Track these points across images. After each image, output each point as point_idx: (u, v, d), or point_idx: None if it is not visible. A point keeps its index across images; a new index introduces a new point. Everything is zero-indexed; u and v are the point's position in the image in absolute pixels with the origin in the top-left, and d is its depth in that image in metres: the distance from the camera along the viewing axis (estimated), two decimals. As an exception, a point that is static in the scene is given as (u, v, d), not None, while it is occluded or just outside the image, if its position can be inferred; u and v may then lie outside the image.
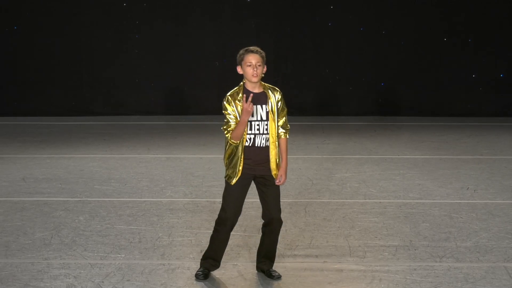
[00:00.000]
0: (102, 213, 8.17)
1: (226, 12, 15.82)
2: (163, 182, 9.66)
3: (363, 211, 8.27)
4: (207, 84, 15.64)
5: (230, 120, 5.92)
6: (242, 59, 5.94)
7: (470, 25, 15.69)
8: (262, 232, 6.22)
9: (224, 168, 6.10)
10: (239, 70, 5.98)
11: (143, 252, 6.87)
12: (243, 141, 5.93)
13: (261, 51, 5.97)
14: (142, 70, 15.89)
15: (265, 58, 5.97)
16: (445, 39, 15.75)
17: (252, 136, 5.95)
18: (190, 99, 15.94)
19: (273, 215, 6.09)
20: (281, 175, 6.00)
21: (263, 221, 6.17)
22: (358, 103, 15.94)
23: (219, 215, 6.09)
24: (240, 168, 5.95)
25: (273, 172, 5.99)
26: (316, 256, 6.76)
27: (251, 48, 5.96)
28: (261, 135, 5.96)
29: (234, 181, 5.97)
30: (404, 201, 8.72)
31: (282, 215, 8.01)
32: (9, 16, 15.72)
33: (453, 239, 7.27)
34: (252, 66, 5.90)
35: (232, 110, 5.91)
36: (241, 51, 5.97)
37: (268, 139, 5.96)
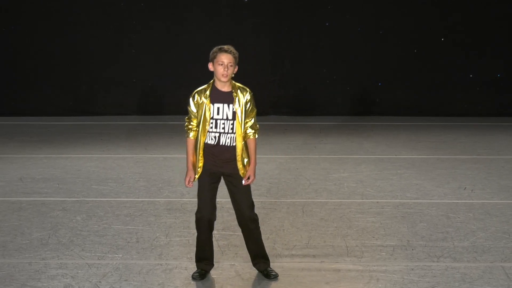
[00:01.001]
0: (100, 213, 8.17)
1: (224, 12, 15.82)
2: (160, 182, 9.66)
3: (360, 211, 8.27)
4: (205, 84, 15.62)
5: (192, 116, 5.97)
6: (214, 57, 5.98)
7: (467, 25, 15.70)
8: (243, 235, 6.20)
9: None
10: (210, 67, 6.03)
11: (140, 252, 6.87)
12: (202, 138, 5.93)
13: (235, 51, 5.99)
14: (140, 70, 15.88)
15: (237, 59, 5.99)
16: (443, 39, 15.76)
17: (217, 135, 5.97)
18: (188, 99, 15.92)
19: (243, 214, 6.05)
20: (249, 175, 5.99)
21: (237, 221, 6.14)
22: (356, 103, 15.94)
23: (196, 216, 6.10)
24: (200, 165, 5.97)
25: (241, 172, 5.98)
26: (314, 256, 6.76)
27: (225, 47, 5.99)
28: (226, 134, 5.97)
29: (195, 177, 6.00)
30: (401, 201, 8.73)
31: (280, 215, 8.02)
32: (7, 16, 15.71)
33: (451, 239, 7.27)
34: (223, 65, 5.93)
35: (195, 107, 6.00)
36: (215, 49, 6.00)
37: (235, 138, 5.96)
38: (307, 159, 11.16)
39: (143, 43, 15.84)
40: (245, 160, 6.00)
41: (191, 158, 6.03)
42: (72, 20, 15.69)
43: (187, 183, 6.04)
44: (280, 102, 15.86)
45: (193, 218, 7.90)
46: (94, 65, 15.86)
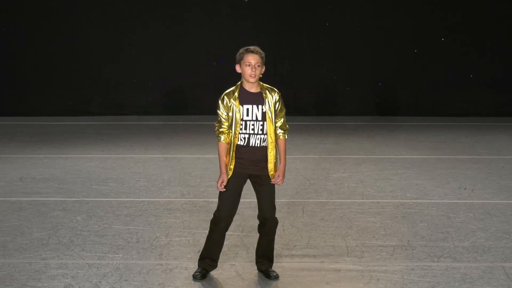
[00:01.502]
0: (100, 213, 8.17)
1: (224, 12, 15.82)
2: (160, 182, 9.65)
3: (360, 211, 8.27)
4: (205, 84, 15.64)
5: (222, 119, 5.94)
6: (241, 58, 5.94)
7: (467, 25, 15.70)
8: (259, 232, 6.22)
9: None
10: (238, 69, 5.99)
11: (140, 252, 6.87)
12: (235, 140, 5.93)
13: (261, 51, 5.97)
14: (139, 70, 15.88)
15: (264, 59, 5.98)
16: (443, 39, 15.76)
17: (247, 136, 5.95)
18: (188, 99, 15.94)
19: (267, 215, 6.07)
20: (278, 175, 5.99)
21: (259, 221, 6.17)
22: (356, 103, 15.95)
23: (214, 214, 6.10)
24: (232, 166, 5.96)
25: (270, 173, 5.98)
26: (314, 256, 6.76)
27: (251, 48, 5.96)
28: (255, 135, 5.96)
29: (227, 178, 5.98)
30: (401, 201, 8.73)
31: (280, 215, 8.01)
32: (7, 16, 15.71)
33: (451, 239, 7.27)
34: (251, 66, 5.90)
35: (225, 109, 5.93)
36: (241, 50, 5.97)
37: (265, 139, 5.96)
38: (307, 159, 11.16)
39: (143, 43, 15.84)
40: (275, 161, 5.99)
41: (224, 160, 6.00)
42: (72, 20, 15.69)
43: (219, 185, 6.01)
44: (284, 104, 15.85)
45: (193, 218, 7.93)
46: (94, 65, 15.86)
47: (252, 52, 5.93)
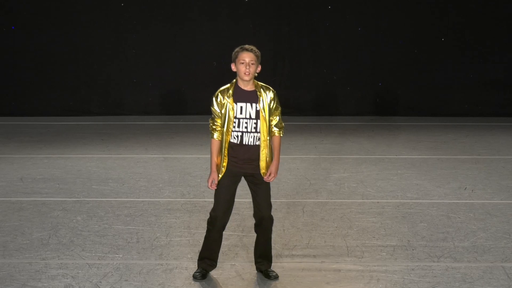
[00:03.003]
0: (100, 213, 8.17)
1: (223, 12, 15.81)
2: (160, 182, 9.66)
3: (361, 211, 8.27)
4: (205, 84, 15.63)
5: (216, 116, 5.96)
6: (236, 57, 5.96)
7: (467, 25, 15.70)
8: (256, 232, 6.22)
9: None
10: (233, 67, 6.01)
11: (141, 252, 6.87)
12: (227, 138, 5.94)
13: (256, 50, 5.98)
14: (139, 70, 15.88)
15: (259, 58, 5.98)
16: (443, 39, 15.76)
17: (240, 134, 5.96)
18: (188, 99, 15.94)
19: (263, 213, 6.07)
20: (270, 172, 5.99)
21: (255, 220, 6.16)
22: (356, 103, 15.95)
23: (210, 214, 6.10)
24: (224, 164, 5.97)
25: (262, 171, 5.98)
26: (314, 256, 6.76)
27: (246, 46, 5.98)
28: (249, 133, 5.96)
29: (219, 176, 6.00)
30: (401, 201, 8.73)
31: (280, 215, 8.02)
32: (7, 16, 15.71)
33: (451, 239, 7.27)
34: (245, 64, 5.91)
35: (218, 106, 5.96)
36: (237, 49, 5.99)
37: (258, 137, 5.97)
38: (307, 159, 11.16)
39: (143, 43, 15.84)
40: (268, 159, 6.00)
41: (215, 159, 6.01)
42: (72, 20, 15.69)
43: (209, 184, 6.03)
44: (279, 102, 15.84)
45: (193, 218, 7.94)
46: (94, 65, 15.86)
47: (247, 50, 5.94)
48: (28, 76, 15.82)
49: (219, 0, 15.79)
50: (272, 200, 8.70)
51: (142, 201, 8.73)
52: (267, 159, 5.99)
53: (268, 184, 6.05)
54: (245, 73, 5.92)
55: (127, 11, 15.76)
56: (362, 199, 8.79)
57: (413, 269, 6.43)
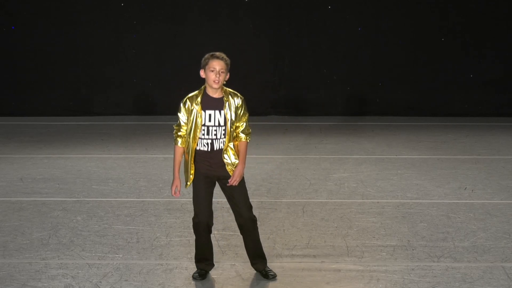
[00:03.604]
0: (100, 213, 8.17)
1: (223, 12, 15.81)
2: (161, 182, 9.65)
3: (361, 211, 8.27)
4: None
5: (182, 123, 5.97)
6: (206, 64, 5.95)
7: (467, 25, 15.70)
8: (241, 235, 6.21)
9: None
10: (202, 74, 6.00)
11: (141, 252, 6.87)
12: (193, 145, 5.95)
13: (226, 58, 5.97)
14: (139, 70, 15.88)
15: (229, 66, 5.98)
16: (443, 39, 15.76)
17: (210, 142, 5.97)
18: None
19: (243, 215, 6.06)
20: (233, 175, 5.97)
21: (236, 223, 6.15)
22: (356, 103, 15.94)
23: (193, 221, 6.12)
24: (192, 171, 6.00)
25: (231, 174, 5.99)
26: (314, 256, 6.76)
27: (217, 53, 5.97)
28: (219, 140, 5.97)
29: (188, 184, 6.04)
30: (402, 201, 8.73)
31: (280, 215, 8.02)
32: (7, 16, 15.71)
33: (451, 239, 7.27)
34: (215, 72, 5.91)
35: (186, 113, 5.96)
36: (207, 55, 5.97)
37: (225, 141, 5.97)
38: (307, 159, 11.16)
39: (143, 43, 15.83)
40: (231, 163, 6.00)
41: (178, 166, 6.06)
42: (72, 20, 15.69)
43: (173, 192, 6.06)
44: (280, 102, 15.85)
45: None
46: (94, 65, 15.85)
47: (217, 58, 5.93)
48: (28, 76, 15.81)
49: (219, 0, 15.79)
50: (272, 200, 8.73)
51: (142, 201, 8.73)
52: (232, 162, 5.98)
53: (242, 185, 6.04)
54: (214, 81, 5.92)
55: (127, 11, 15.76)
56: (362, 199, 8.79)
57: (413, 269, 6.43)
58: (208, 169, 5.99)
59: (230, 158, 5.99)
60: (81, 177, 9.96)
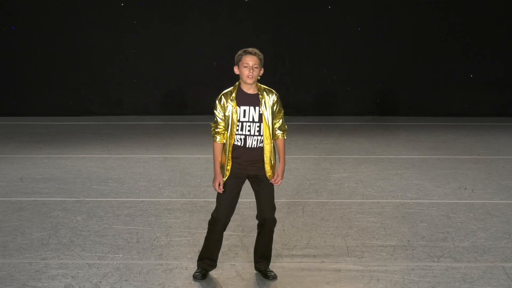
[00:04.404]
0: (100, 213, 8.17)
1: (223, 12, 15.81)
2: (160, 182, 9.65)
3: (361, 211, 8.27)
4: (205, 84, 15.63)
5: (219, 119, 5.95)
6: (239, 60, 5.96)
7: (467, 25, 15.70)
8: (258, 232, 6.22)
9: None
10: (236, 70, 6.01)
11: (141, 252, 6.87)
12: (231, 141, 5.94)
13: (259, 53, 5.98)
14: (139, 70, 15.88)
15: (263, 61, 5.99)
16: (443, 39, 15.76)
17: (243, 137, 5.96)
18: (188, 99, 15.94)
19: (266, 215, 6.07)
20: (277, 175, 5.99)
21: (257, 221, 6.17)
22: (356, 103, 15.95)
23: (212, 215, 6.10)
24: (228, 167, 5.97)
25: (268, 174, 5.98)
26: (314, 256, 6.76)
27: (250, 49, 5.98)
28: (252, 137, 5.97)
29: (224, 180, 5.99)
30: (402, 201, 8.73)
31: (280, 215, 8.02)
32: (7, 16, 15.71)
33: (451, 239, 7.27)
34: (248, 67, 5.91)
35: (222, 110, 5.95)
36: (240, 52, 5.99)
37: (262, 140, 5.96)
38: (307, 159, 11.16)
39: (143, 43, 15.84)
40: (272, 162, 6.00)
41: (219, 162, 6.01)
42: (72, 20, 15.69)
43: (217, 187, 6.01)
44: (282, 105, 15.84)
45: (193, 218, 7.93)
46: (94, 65, 15.86)
47: (250, 53, 5.94)
48: (28, 76, 15.82)
49: (219, 0, 15.79)
50: (272, 200, 8.71)
51: (142, 201, 8.73)
52: (272, 162, 5.99)
53: (271, 186, 6.05)
54: (248, 77, 5.92)
55: (127, 11, 15.76)
56: (362, 199, 8.79)
57: (413, 269, 6.43)
58: (238, 167, 5.97)
59: (270, 158, 5.97)
60: (81, 177, 9.96)
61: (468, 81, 15.85)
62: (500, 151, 11.91)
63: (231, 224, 7.34)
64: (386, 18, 15.75)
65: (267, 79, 16.23)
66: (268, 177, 5.98)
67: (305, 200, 8.74)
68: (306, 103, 15.96)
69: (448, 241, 7.19)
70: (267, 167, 5.97)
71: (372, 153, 11.67)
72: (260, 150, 5.97)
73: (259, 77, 5.99)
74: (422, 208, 8.38)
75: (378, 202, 8.67)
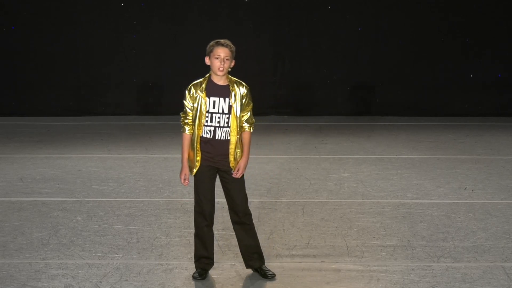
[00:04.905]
0: (100, 213, 8.17)
1: (223, 12, 15.81)
2: (160, 182, 9.65)
3: (361, 211, 8.27)
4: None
5: (188, 110, 5.98)
6: (211, 51, 5.99)
7: (467, 26, 15.69)
8: (235, 231, 6.19)
9: None
10: (207, 61, 6.03)
11: (141, 252, 6.87)
12: (199, 132, 5.94)
13: (231, 45, 6.01)
14: (139, 70, 15.88)
15: (234, 53, 6.01)
16: (443, 39, 15.76)
17: (212, 129, 5.98)
18: (188, 99, 15.92)
19: (239, 208, 6.05)
20: (238, 168, 5.98)
21: (231, 220, 6.14)
22: (356, 103, 15.94)
23: (195, 210, 6.10)
24: (198, 158, 5.97)
25: (232, 165, 5.99)
26: (314, 256, 6.76)
27: (222, 41, 6.01)
28: (221, 128, 5.98)
29: (194, 171, 5.99)
30: (402, 201, 8.73)
31: (280, 215, 8.02)
32: (7, 16, 15.71)
33: (451, 239, 7.27)
34: (220, 59, 5.94)
35: (191, 100, 6.00)
36: (212, 43, 6.03)
37: (230, 132, 5.97)
38: (307, 159, 11.16)
39: (143, 43, 15.83)
40: (238, 154, 6.00)
41: (186, 154, 6.04)
42: (72, 20, 15.68)
43: (182, 180, 6.04)
44: (280, 102, 15.85)
45: (193, 218, 7.92)
46: (94, 65, 15.85)
47: (222, 45, 5.97)
48: (28, 76, 15.81)
49: (219, 0, 15.79)
50: (272, 200, 8.73)
51: (142, 201, 8.73)
52: (237, 154, 5.98)
53: (241, 180, 6.04)
54: (219, 69, 5.95)
55: (127, 11, 15.76)
56: (362, 199, 8.79)
57: (413, 269, 6.43)
58: (210, 160, 5.98)
59: (235, 150, 5.98)
60: (81, 177, 9.96)
61: (468, 81, 15.85)
62: (500, 151, 11.92)
63: (230, 224, 7.34)
64: (386, 18, 15.75)
65: (267, 79, 16.28)
66: (232, 169, 5.98)
67: (305, 200, 8.74)
68: (306, 103, 15.96)
69: (448, 241, 7.19)
70: (231, 158, 5.97)
71: (372, 153, 11.67)
72: (228, 142, 5.97)
73: (229, 69, 6.00)
74: (422, 208, 8.38)
75: (378, 202, 8.67)
